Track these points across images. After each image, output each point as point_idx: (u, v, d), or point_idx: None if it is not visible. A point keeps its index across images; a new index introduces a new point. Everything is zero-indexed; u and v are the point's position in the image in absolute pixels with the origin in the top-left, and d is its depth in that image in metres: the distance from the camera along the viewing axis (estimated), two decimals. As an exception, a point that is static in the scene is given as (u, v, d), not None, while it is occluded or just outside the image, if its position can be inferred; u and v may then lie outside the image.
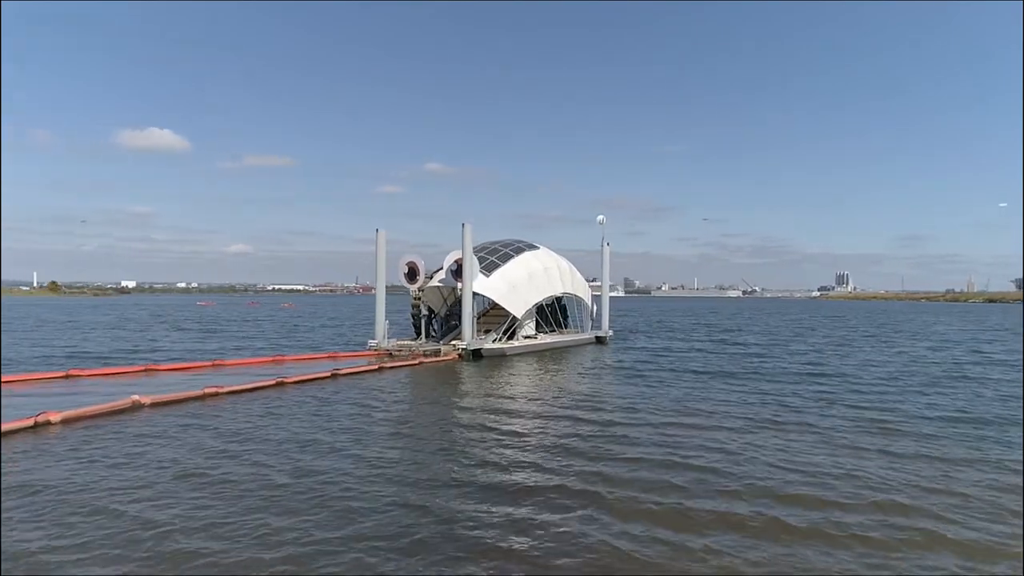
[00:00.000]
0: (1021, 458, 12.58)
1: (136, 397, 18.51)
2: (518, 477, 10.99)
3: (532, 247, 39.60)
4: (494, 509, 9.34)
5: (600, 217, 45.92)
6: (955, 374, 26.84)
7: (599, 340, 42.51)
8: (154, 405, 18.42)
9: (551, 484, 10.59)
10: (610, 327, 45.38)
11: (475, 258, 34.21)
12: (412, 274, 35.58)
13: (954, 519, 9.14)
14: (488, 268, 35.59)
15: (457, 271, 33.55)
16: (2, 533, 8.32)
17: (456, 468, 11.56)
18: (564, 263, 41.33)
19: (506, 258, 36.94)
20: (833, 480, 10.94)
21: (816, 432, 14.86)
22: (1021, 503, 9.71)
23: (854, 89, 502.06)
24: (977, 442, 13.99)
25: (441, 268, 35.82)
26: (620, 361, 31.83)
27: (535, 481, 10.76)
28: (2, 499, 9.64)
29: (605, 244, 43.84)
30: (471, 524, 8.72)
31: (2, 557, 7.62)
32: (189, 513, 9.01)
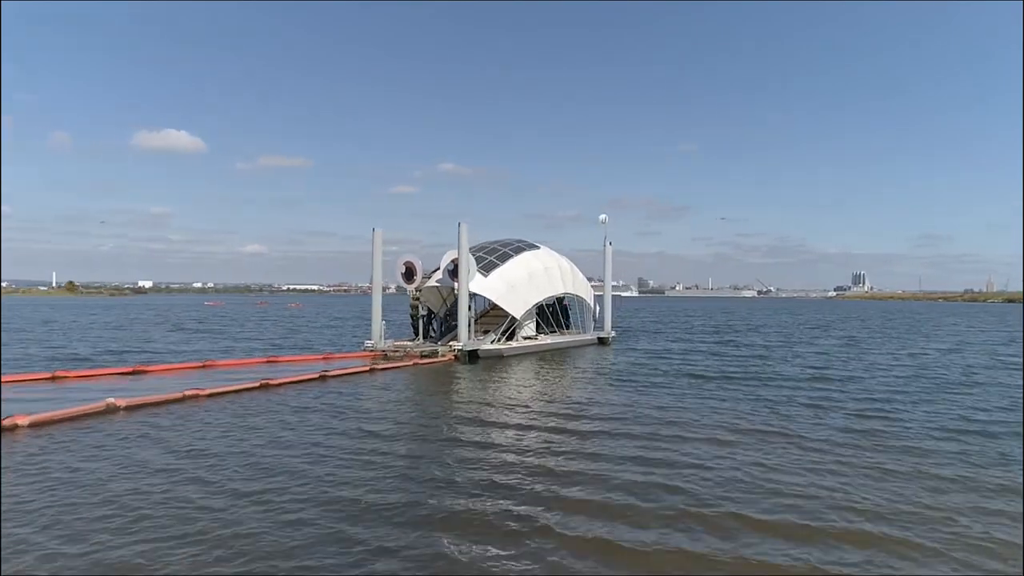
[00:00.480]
0: (1022, 473, 11.71)
1: (111, 400, 18.09)
2: (473, 501, 10.09)
3: (532, 247, 38.96)
4: (434, 536, 8.54)
5: (602, 216, 45.25)
6: (964, 379, 25.78)
7: (601, 341, 41.73)
8: (129, 408, 18.00)
9: (502, 509, 9.70)
10: (614, 327, 44.66)
11: (472, 258, 33.65)
12: (409, 274, 35.10)
13: (944, 552, 8.30)
14: (486, 268, 35.02)
15: (454, 271, 32.98)
16: (1, 534, 8.04)
17: (411, 488, 10.73)
18: (565, 263, 40.63)
19: (505, 258, 36.33)
20: (815, 506, 10.01)
21: (806, 446, 13.88)
22: (1021, 531, 8.86)
23: (854, 89, 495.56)
24: (977, 457, 13.05)
25: (439, 268, 35.30)
26: (618, 363, 31.03)
27: (489, 507, 9.86)
28: (1, 500, 9.26)
29: (607, 243, 43.15)
30: (403, 564, 7.82)
31: (2, 557, 7.32)
32: (79, 537, 8.30)
